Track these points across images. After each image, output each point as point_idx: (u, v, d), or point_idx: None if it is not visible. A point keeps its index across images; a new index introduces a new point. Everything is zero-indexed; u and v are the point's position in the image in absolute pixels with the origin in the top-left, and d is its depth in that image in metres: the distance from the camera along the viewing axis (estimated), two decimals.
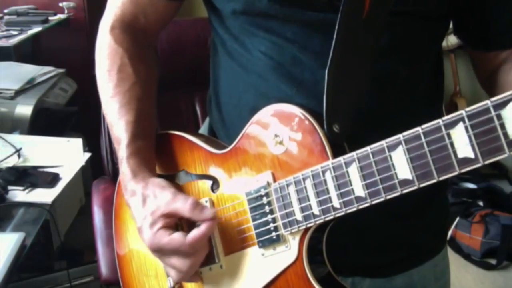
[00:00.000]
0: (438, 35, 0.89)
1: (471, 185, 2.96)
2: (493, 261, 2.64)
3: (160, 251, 0.80)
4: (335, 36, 0.73)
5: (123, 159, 0.86)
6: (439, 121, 0.60)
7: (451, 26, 0.90)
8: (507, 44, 0.85)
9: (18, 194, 1.55)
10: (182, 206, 0.78)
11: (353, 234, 0.85)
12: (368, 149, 0.67)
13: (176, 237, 0.78)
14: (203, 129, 1.07)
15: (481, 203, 2.87)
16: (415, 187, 0.64)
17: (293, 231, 0.76)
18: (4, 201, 1.51)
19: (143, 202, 0.81)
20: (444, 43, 0.92)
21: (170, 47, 1.65)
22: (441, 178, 0.62)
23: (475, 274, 2.61)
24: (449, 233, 2.75)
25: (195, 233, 0.77)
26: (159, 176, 0.87)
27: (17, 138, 1.83)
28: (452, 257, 2.67)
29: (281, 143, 0.77)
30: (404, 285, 0.95)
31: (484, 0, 0.83)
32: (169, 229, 0.79)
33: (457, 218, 2.77)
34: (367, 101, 0.77)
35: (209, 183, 0.87)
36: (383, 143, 0.66)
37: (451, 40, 2.80)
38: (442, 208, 0.99)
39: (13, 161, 1.70)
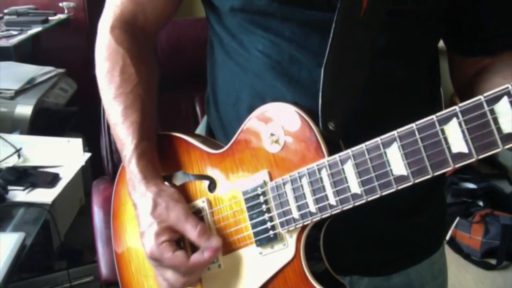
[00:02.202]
0: (436, 36, 0.89)
1: (471, 185, 2.95)
2: (493, 261, 2.64)
3: (159, 262, 0.81)
4: (331, 34, 0.73)
5: (132, 160, 0.86)
6: (433, 117, 0.60)
7: None
8: (489, 51, 0.86)
9: (18, 194, 1.55)
10: (190, 229, 0.79)
11: (351, 233, 0.85)
12: (363, 146, 0.67)
13: (180, 255, 0.79)
14: (201, 128, 1.07)
15: (481, 203, 2.87)
16: (410, 183, 0.64)
17: (290, 229, 0.76)
18: (4, 201, 1.51)
19: (153, 208, 0.81)
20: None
21: (170, 47, 1.65)
22: (436, 174, 0.62)
23: (475, 274, 2.61)
24: (449, 233, 2.74)
25: (198, 258, 0.79)
26: None
27: (17, 138, 1.84)
28: (452, 257, 2.67)
29: (277, 141, 0.77)
30: (402, 284, 0.95)
31: (476, 5, 0.83)
32: (173, 244, 0.80)
33: (457, 218, 2.77)
34: (364, 100, 0.77)
35: (206, 183, 0.87)
36: (378, 140, 0.66)
37: None
38: (440, 206, 0.99)
39: (13, 161, 1.70)
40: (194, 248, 0.82)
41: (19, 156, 1.73)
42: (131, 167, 0.86)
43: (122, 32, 0.94)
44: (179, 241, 0.84)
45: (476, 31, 0.85)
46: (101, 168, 1.67)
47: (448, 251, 2.66)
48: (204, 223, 0.81)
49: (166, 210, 0.81)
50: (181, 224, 0.80)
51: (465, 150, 0.59)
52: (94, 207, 1.55)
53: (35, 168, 1.69)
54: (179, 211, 0.81)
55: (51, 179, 1.63)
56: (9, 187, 1.55)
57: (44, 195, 1.56)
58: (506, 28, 0.84)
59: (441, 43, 0.91)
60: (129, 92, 0.89)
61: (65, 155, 1.79)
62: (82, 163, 1.78)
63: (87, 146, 1.91)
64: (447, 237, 2.73)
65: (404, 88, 0.85)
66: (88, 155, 1.82)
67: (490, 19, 0.84)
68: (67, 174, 1.68)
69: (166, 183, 0.88)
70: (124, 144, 0.87)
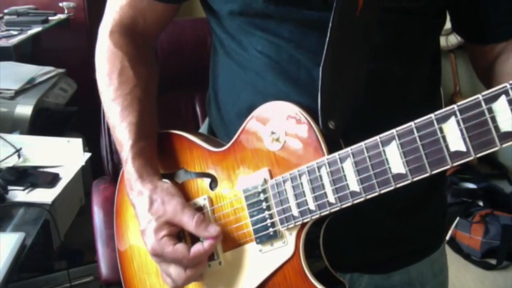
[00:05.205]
0: (433, 32, 0.89)
1: (471, 185, 2.95)
2: (493, 261, 2.64)
3: (161, 258, 0.82)
4: (328, 33, 0.74)
5: (128, 160, 0.87)
6: (432, 116, 0.61)
7: (449, 25, 0.91)
8: (502, 37, 0.86)
9: (18, 194, 1.55)
10: (188, 220, 0.80)
11: (351, 231, 0.85)
12: (362, 144, 0.68)
13: (180, 248, 0.79)
14: (203, 129, 1.07)
15: (481, 203, 2.87)
16: (408, 181, 0.64)
17: (289, 226, 0.77)
18: (4, 201, 1.51)
19: (149, 205, 0.82)
20: (444, 43, 0.93)
21: (170, 47, 1.65)
22: (434, 172, 0.62)
23: (475, 274, 2.61)
24: (449, 233, 2.74)
25: (198, 248, 0.79)
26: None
27: (17, 138, 1.83)
28: (452, 257, 2.67)
29: (277, 140, 0.78)
30: (402, 282, 0.95)
31: None
32: (173, 238, 0.81)
33: (457, 218, 2.77)
34: (363, 99, 0.78)
35: (207, 180, 0.88)
36: (377, 138, 0.66)
37: (451, 40, 2.79)
38: (440, 204, 0.99)
39: (13, 161, 1.70)
40: (194, 239, 0.83)
41: (19, 156, 1.73)
42: (127, 167, 0.86)
43: (121, 36, 0.94)
44: (180, 234, 0.84)
45: (483, 19, 0.85)
46: (101, 168, 1.67)
47: (448, 251, 2.65)
48: (201, 213, 0.82)
49: (162, 205, 0.82)
50: (178, 217, 0.81)
51: (463, 149, 0.59)
52: (94, 207, 1.55)
53: (35, 168, 1.68)
54: (175, 204, 0.81)
55: (51, 179, 1.63)
56: (9, 187, 1.55)
57: (44, 195, 1.56)
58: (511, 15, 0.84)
59: (443, 43, 0.91)
60: (127, 94, 0.90)
61: (65, 155, 1.79)
62: (82, 163, 1.78)
63: (87, 146, 1.91)
64: (447, 237, 2.73)
65: (403, 85, 0.85)
66: (88, 155, 1.82)
67: (496, 6, 0.84)
68: (67, 174, 1.68)
69: (165, 180, 0.88)
70: (122, 145, 0.88)
